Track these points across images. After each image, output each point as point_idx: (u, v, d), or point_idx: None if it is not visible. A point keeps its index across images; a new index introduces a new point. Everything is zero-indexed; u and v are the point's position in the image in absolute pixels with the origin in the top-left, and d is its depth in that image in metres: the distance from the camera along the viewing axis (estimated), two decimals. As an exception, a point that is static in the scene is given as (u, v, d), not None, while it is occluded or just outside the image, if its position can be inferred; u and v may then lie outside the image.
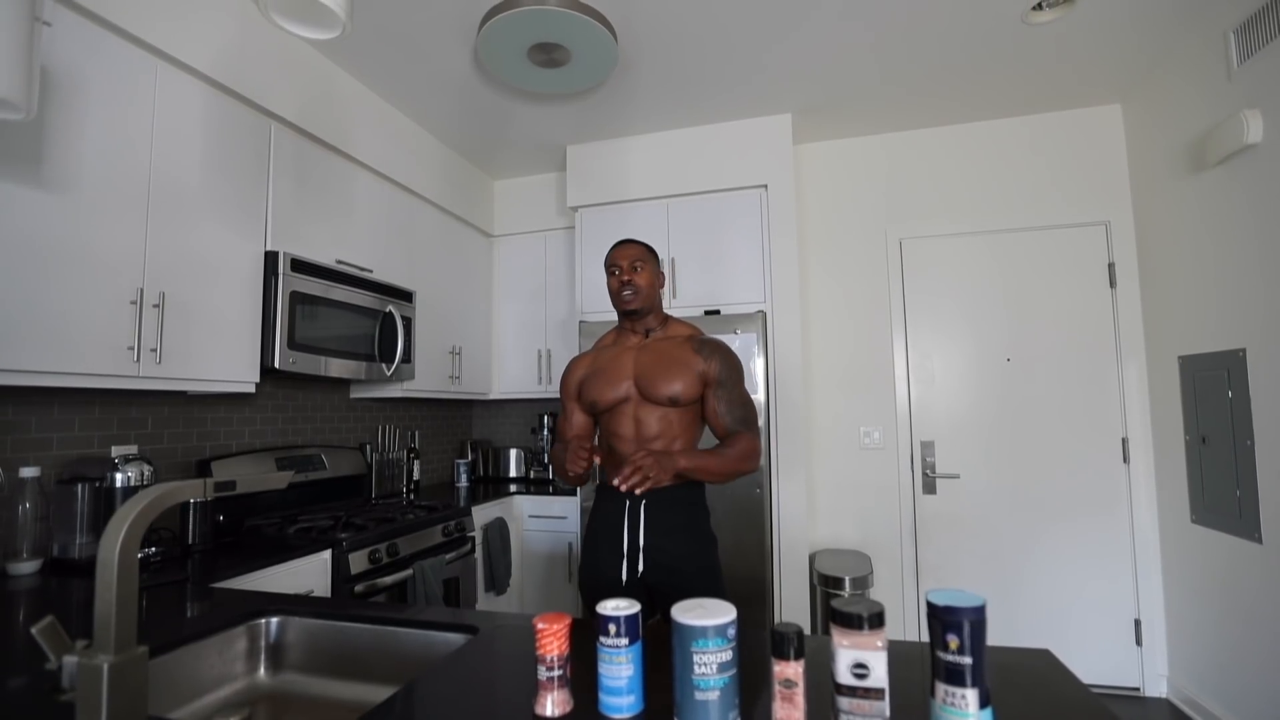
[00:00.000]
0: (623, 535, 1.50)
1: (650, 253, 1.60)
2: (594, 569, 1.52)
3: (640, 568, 1.48)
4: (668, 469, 1.31)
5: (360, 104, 2.47)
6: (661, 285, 1.62)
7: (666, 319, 1.64)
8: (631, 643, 0.77)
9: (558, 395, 3.21)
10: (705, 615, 0.73)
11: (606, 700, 0.77)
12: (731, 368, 1.53)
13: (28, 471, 1.52)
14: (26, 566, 1.49)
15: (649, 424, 1.51)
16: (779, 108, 2.76)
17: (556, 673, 0.77)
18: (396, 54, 2.31)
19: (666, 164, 2.94)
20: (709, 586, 1.47)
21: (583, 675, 0.88)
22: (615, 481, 1.24)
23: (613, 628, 0.76)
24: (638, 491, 1.26)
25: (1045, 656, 0.94)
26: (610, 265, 1.58)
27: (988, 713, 0.65)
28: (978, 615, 0.65)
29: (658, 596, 1.49)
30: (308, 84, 2.20)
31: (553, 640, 0.77)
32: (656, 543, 1.48)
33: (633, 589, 1.48)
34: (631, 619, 0.77)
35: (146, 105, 1.65)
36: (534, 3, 1.95)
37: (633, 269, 1.56)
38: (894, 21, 2.16)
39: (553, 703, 0.77)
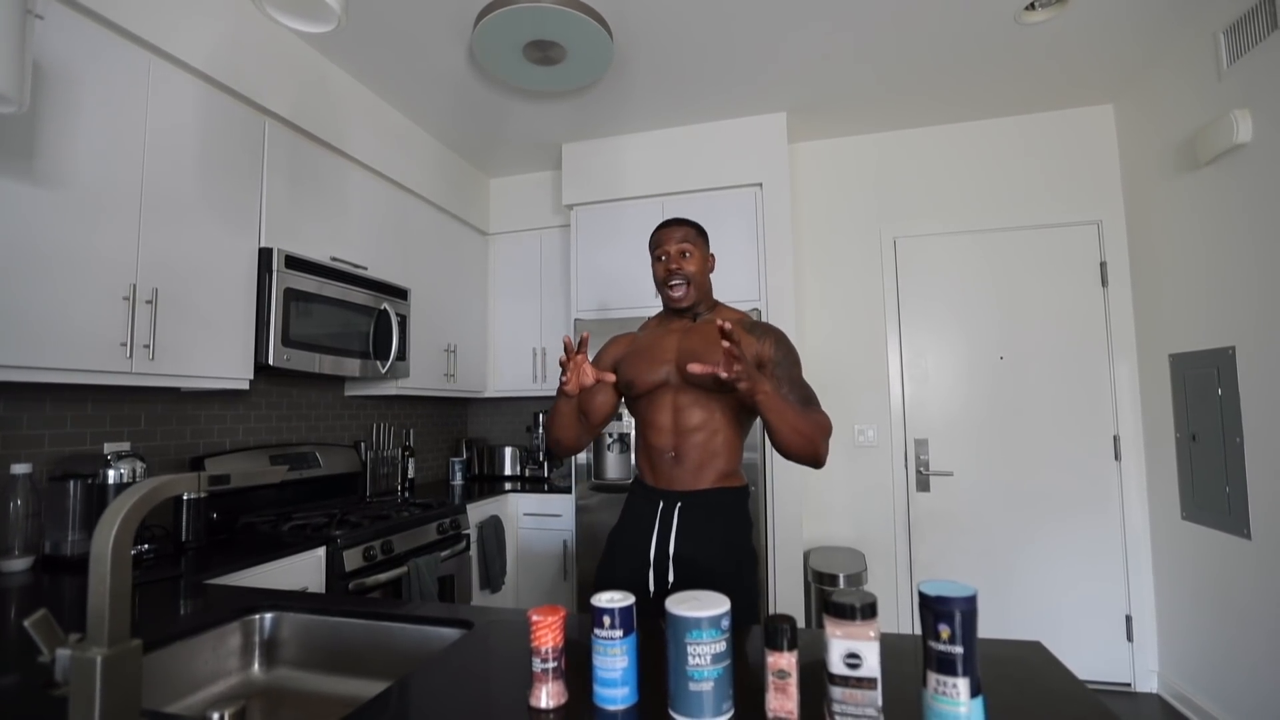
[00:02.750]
0: (651, 541, 1.35)
1: (700, 234, 1.42)
2: (612, 570, 1.40)
3: (670, 579, 1.32)
4: (757, 380, 1.14)
5: (355, 101, 2.47)
6: (712, 268, 1.45)
7: (715, 304, 1.48)
8: (626, 635, 0.77)
9: (553, 394, 3.23)
10: (699, 607, 0.73)
11: (601, 692, 0.77)
12: (787, 349, 1.36)
13: (19, 468, 1.51)
14: (18, 563, 1.48)
15: (689, 413, 1.35)
16: (774, 106, 2.77)
17: (551, 665, 0.78)
18: (391, 51, 2.31)
19: (662, 162, 2.94)
20: (742, 607, 1.15)
21: (577, 668, 0.89)
22: (724, 343, 1.08)
23: (607, 619, 0.76)
24: (724, 375, 1.09)
25: (1037, 648, 0.95)
26: (656, 250, 1.40)
27: (978, 702, 0.66)
28: (969, 605, 0.65)
29: None
30: (302, 80, 2.19)
31: (547, 632, 0.77)
32: (687, 554, 1.32)
33: (659, 599, 1.32)
34: (626, 611, 0.77)
35: (140, 101, 1.64)
36: (529, 0, 1.95)
37: (681, 255, 1.38)
38: (888, 21, 2.17)
39: (547, 695, 0.78)
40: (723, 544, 1.33)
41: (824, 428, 1.26)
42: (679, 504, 1.35)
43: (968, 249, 2.92)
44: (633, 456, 2.67)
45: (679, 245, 1.39)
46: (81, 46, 1.51)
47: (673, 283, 1.39)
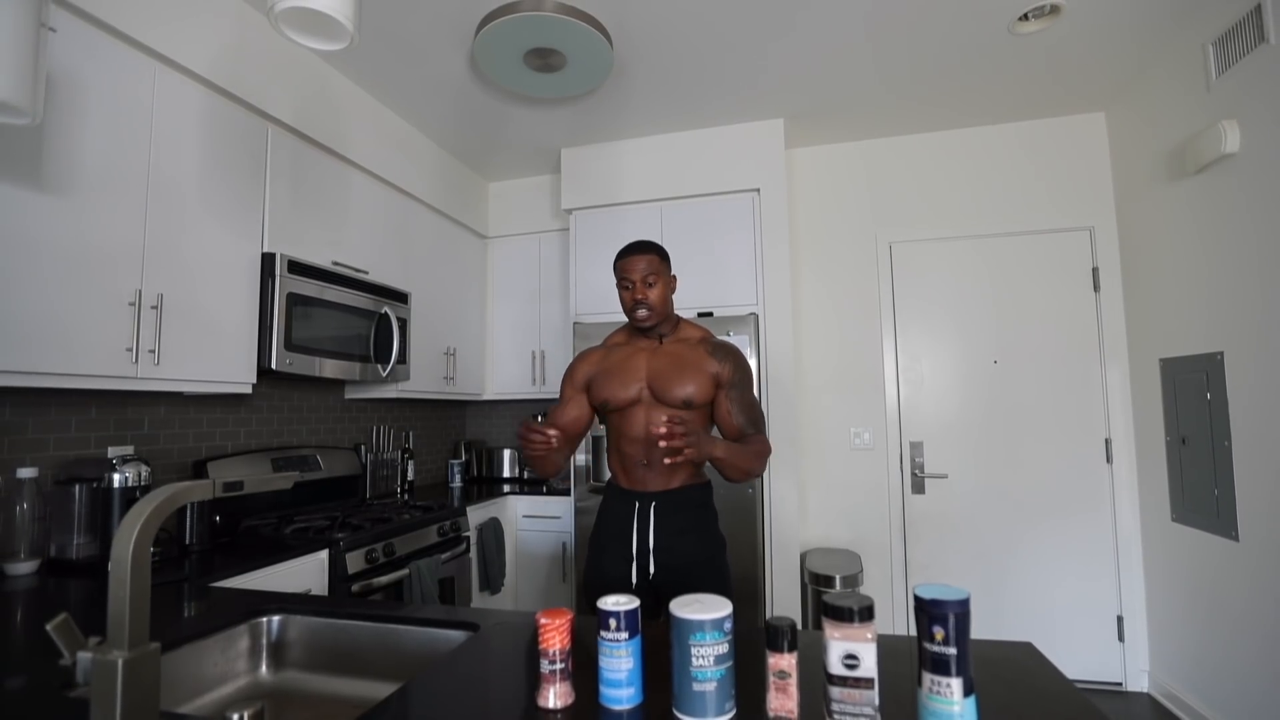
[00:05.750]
0: (632, 537, 1.49)
1: (663, 260, 1.54)
2: (600, 570, 1.52)
3: (651, 570, 1.48)
4: (704, 451, 1.28)
5: (356, 107, 2.48)
6: (674, 289, 1.57)
7: (678, 321, 1.61)
8: (631, 637, 0.79)
9: (552, 396, 3.25)
10: (703, 610, 0.76)
11: (606, 693, 0.80)
12: (743, 371, 1.53)
13: (25, 472, 1.52)
14: (24, 567, 1.50)
15: (658, 423, 1.48)
16: (771, 113, 2.80)
17: (558, 666, 0.80)
18: (393, 57, 2.33)
19: (660, 167, 2.97)
20: (717, 588, 1.46)
21: (583, 669, 0.91)
22: (660, 444, 1.22)
23: (613, 622, 0.79)
24: (666, 462, 1.24)
25: (1027, 649, 0.98)
26: (622, 278, 1.52)
27: (971, 701, 0.68)
28: (962, 608, 0.68)
29: (665, 598, 1.49)
30: (304, 87, 2.21)
31: (555, 635, 0.79)
32: (666, 544, 1.47)
33: (641, 591, 1.48)
34: (631, 614, 0.79)
35: (145, 108, 1.66)
36: (530, 8, 1.97)
37: (646, 284, 1.50)
38: (886, 30, 2.20)
39: (555, 695, 0.80)
40: (696, 534, 1.50)
41: (764, 455, 1.44)
42: (654, 503, 1.50)
43: (962, 254, 2.96)
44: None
45: (644, 274, 1.50)
46: (88, 55, 1.53)
47: (639, 312, 1.51)
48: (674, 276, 1.57)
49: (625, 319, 2.91)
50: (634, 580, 1.48)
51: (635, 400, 1.51)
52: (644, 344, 1.58)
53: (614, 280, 2.99)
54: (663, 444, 1.22)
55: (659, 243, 2.71)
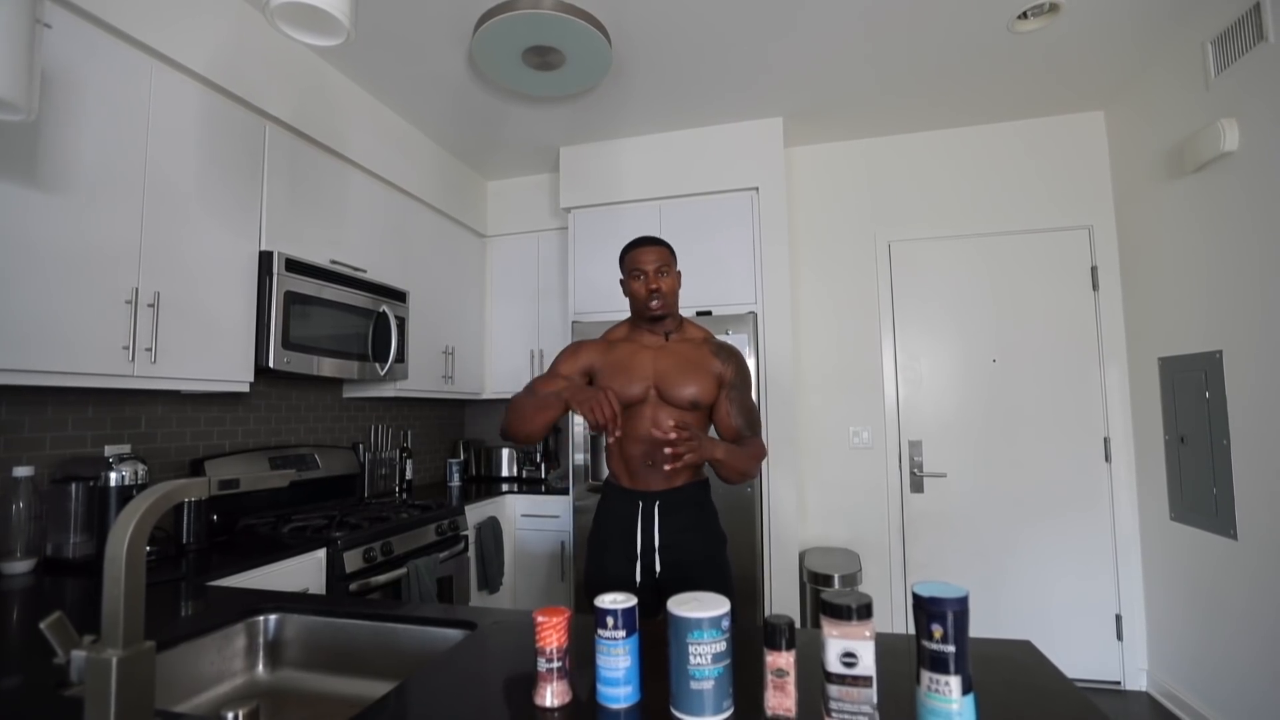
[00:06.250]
0: (636, 536, 1.49)
1: (672, 253, 1.55)
2: (602, 568, 1.52)
3: (656, 568, 1.48)
4: (704, 454, 1.30)
5: (354, 105, 2.48)
6: (680, 285, 1.58)
7: (681, 320, 1.62)
8: (629, 635, 0.79)
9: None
10: (700, 608, 0.75)
11: (604, 691, 0.79)
12: (743, 373, 1.55)
13: (21, 471, 1.52)
14: (20, 566, 1.49)
15: (665, 426, 1.48)
16: (770, 111, 2.79)
17: (556, 664, 0.80)
18: (391, 55, 2.32)
19: (659, 166, 2.96)
20: (719, 586, 1.47)
21: (581, 667, 0.91)
22: (666, 450, 1.25)
23: (610, 620, 0.78)
24: (666, 468, 1.26)
25: (1026, 647, 0.98)
26: (634, 269, 1.52)
27: (970, 699, 0.68)
28: (960, 606, 0.68)
29: (668, 596, 1.49)
30: (302, 85, 2.20)
31: (552, 633, 0.79)
32: (670, 542, 1.48)
33: (644, 589, 1.48)
34: (628, 612, 0.79)
35: (142, 106, 1.65)
36: (529, 6, 1.97)
37: (659, 274, 1.51)
38: (884, 29, 2.20)
39: (552, 694, 0.80)
40: (698, 532, 1.51)
41: (759, 458, 1.46)
42: (657, 502, 1.50)
43: (961, 253, 2.96)
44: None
45: (656, 265, 1.52)
46: (85, 52, 1.52)
47: (654, 302, 1.52)
48: (679, 272, 1.59)
49: (624, 317, 2.91)
50: (637, 578, 1.48)
51: (642, 399, 1.51)
52: (649, 341, 1.57)
53: (614, 278, 3.00)
54: (668, 450, 1.24)
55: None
